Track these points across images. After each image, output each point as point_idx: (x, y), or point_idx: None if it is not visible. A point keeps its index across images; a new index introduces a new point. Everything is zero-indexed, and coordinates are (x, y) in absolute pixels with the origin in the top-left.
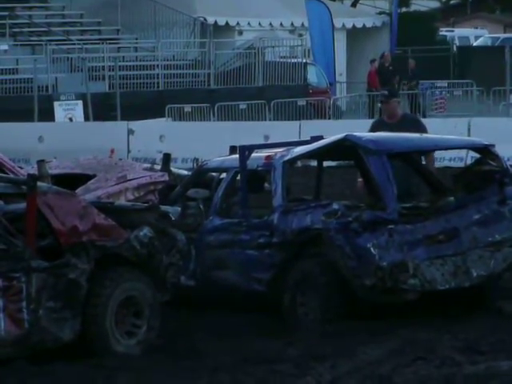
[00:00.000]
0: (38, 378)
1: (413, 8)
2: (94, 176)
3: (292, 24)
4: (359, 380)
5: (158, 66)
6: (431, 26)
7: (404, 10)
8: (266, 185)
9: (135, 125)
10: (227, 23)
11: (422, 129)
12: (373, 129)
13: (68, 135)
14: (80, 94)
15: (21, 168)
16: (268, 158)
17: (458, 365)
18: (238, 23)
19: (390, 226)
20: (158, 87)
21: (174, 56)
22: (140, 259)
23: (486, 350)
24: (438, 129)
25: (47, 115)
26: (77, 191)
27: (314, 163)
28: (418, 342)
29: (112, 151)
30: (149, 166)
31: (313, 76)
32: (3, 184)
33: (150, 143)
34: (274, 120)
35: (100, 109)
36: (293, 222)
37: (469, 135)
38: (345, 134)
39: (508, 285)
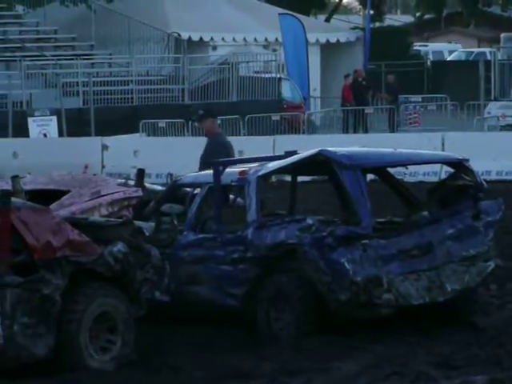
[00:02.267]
0: None
1: (387, 23)
2: (68, 191)
3: (266, 39)
4: None
5: (132, 81)
6: (405, 41)
7: (378, 24)
8: (240, 200)
9: (109, 140)
10: (201, 38)
11: (210, 148)
12: None
13: (42, 151)
14: (54, 109)
15: None
16: (242, 173)
17: (432, 380)
18: (211, 38)
19: (365, 241)
20: (132, 102)
21: (148, 71)
22: (114, 275)
23: (461, 364)
24: (412, 143)
25: (21, 131)
26: (51, 207)
27: (289, 178)
28: (392, 357)
29: (86, 167)
30: (123, 181)
31: (287, 91)
32: None
33: (124, 158)
34: (248, 135)
35: (74, 124)
36: (267, 237)
37: (443, 150)
38: (319, 149)
39: (482, 299)
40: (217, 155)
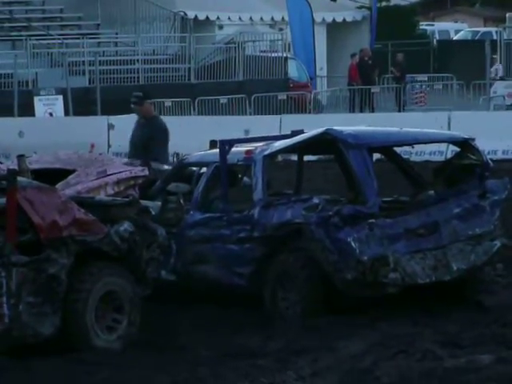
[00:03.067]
0: (19, 373)
1: (393, 2)
2: (74, 171)
3: (272, 18)
4: (340, 374)
5: (138, 60)
6: (411, 20)
7: (384, 4)
8: (246, 179)
9: (115, 119)
10: (207, 18)
11: (153, 130)
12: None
13: (48, 130)
14: (60, 88)
15: (1, 163)
16: (248, 152)
17: (438, 358)
18: (218, 17)
19: (371, 220)
20: (139, 82)
21: (154, 50)
22: (120, 254)
23: (467, 343)
24: (418, 122)
25: (27, 110)
26: (57, 186)
27: (295, 157)
28: (398, 335)
29: (92, 146)
30: (129, 160)
31: (293, 70)
32: None
33: None
34: (254, 114)
35: (80, 103)
36: (273, 217)
37: (449, 129)
38: (325, 128)
39: (488, 278)
40: (158, 137)
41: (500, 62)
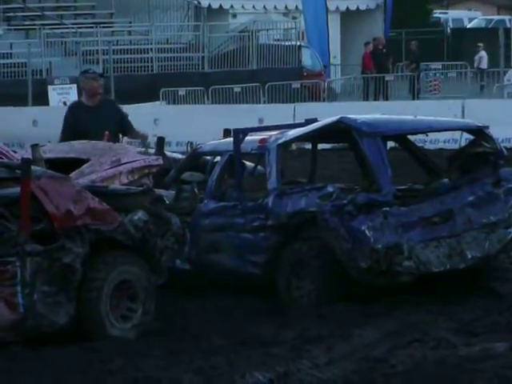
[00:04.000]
0: (34, 362)
1: None
2: (88, 160)
3: (286, 7)
4: (355, 362)
5: (151, 49)
6: (425, 9)
7: None
8: (260, 168)
9: (129, 108)
10: (221, 6)
11: (121, 113)
12: (70, 112)
13: (62, 119)
14: (74, 77)
15: (15, 152)
16: (262, 141)
17: (452, 346)
18: (231, 6)
19: (385, 209)
20: (152, 71)
21: (167, 39)
22: (135, 243)
23: (481, 331)
24: (432, 110)
25: (41, 99)
26: (71, 175)
27: (309, 146)
28: (413, 324)
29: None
30: (143, 149)
31: (307, 59)
32: None
33: (145, 127)
34: (268, 103)
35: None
36: (287, 205)
37: (463, 117)
38: (339, 117)
39: (502, 266)
40: (128, 120)
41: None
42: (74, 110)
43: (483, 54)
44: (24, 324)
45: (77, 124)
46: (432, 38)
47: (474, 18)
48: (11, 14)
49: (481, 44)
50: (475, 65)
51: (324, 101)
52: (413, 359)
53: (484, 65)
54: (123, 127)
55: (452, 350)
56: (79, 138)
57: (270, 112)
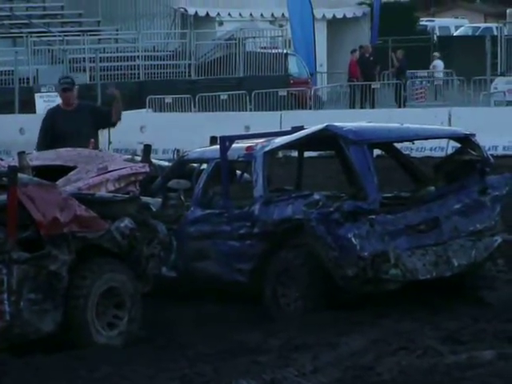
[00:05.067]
0: (20, 369)
1: None
2: (74, 167)
3: (272, 15)
4: (341, 370)
5: (138, 57)
6: (412, 16)
7: (384, 0)
8: (247, 175)
9: None
10: (208, 14)
11: (94, 108)
12: (48, 116)
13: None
14: None
15: (1, 160)
16: (249, 148)
17: (439, 355)
18: (218, 14)
19: (371, 216)
20: (139, 78)
21: (154, 47)
22: (121, 250)
23: (468, 339)
24: (419, 118)
25: (28, 107)
26: (57, 183)
27: (295, 154)
28: (399, 332)
29: (92, 143)
30: (129, 157)
31: (293, 66)
32: None
33: (131, 134)
34: (254, 110)
35: (81, 100)
36: (274, 213)
37: (449, 125)
38: (325, 125)
39: (489, 274)
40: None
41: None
42: (51, 114)
43: (438, 62)
44: (10, 331)
45: (54, 127)
46: (419, 46)
47: (460, 26)
48: None
49: (437, 53)
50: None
51: (310, 108)
52: (399, 367)
53: (439, 74)
54: (99, 118)
55: (439, 358)
56: (56, 141)
57: (257, 119)
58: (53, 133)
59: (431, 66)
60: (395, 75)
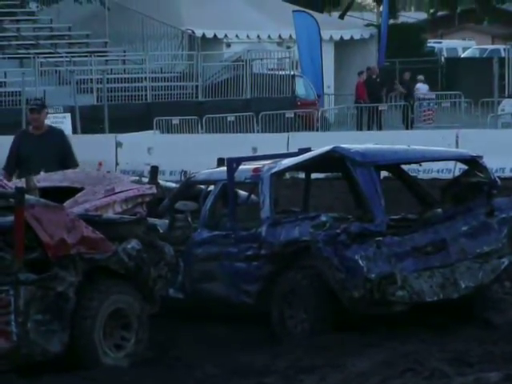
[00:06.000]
0: None
1: (401, 20)
2: (81, 189)
3: (280, 36)
4: None
5: (145, 78)
6: (419, 38)
7: (392, 21)
8: (254, 197)
9: (123, 137)
10: (215, 35)
11: (66, 141)
12: (15, 138)
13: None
14: (68, 106)
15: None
16: (256, 170)
17: (446, 376)
18: (225, 35)
19: (378, 238)
20: (146, 100)
21: (161, 68)
22: (128, 272)
23: (475, 361)
24: (426, 140)
25: None
26: (65, 204)
27: (302, 175)
28: (406, 353)
29: (100, 164)
30: (137, 178)
31: (301, 88)
32: None
33: (138, 156)
34: (262, 132)
35: (88, 121)
36: (281, 234)
37: (457, 147)
38: (332, 146)
39: (496, 296)
40: (71, 149)
41: (507, 79)
42: (19, 138)
43: (421, 86)
44: (17, 352)
45: (20, 151)
46: (426, 68)
47: (468, 48)
48: (5, 43)
49: (421, 77)
50: (416, 94)
51: (317, 130)
52: None
53: (421, 95)
54: (64, 157)
55: (446, 380)
56: (21, 165)
57: (264, 141)
58: (18, 157)
59: (416, 88)
60: (402, 97)
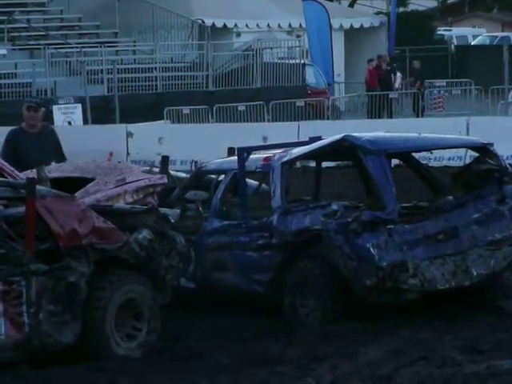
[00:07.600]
0: (39, 381)
1: (410, 8)
2: (92, 179)
3: (290, 25)
4: (360, 380)
5: (156, 68)
6: (429, 26)
7: (401, 9)
8: (265, 186)
9: (134, 127)
10: (225, 25)
11: (58, 139)
12: (10, 137)
13: (67, 139)
14: (79, 97)
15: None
16: (267, 159)
17: (458, 364)
18: (235, 25)
19: (390, 226)
20: (157, 90)
21: (172, 58)
22: (139, 262)
23: (487, 349)
24: (437, 128)
25: (46, 119)
26: (76, 194)
27: (313, 164)
28: (418, 342)
29: (110, 154)
30: (147, 168)
31: (311, 77)
32: (2, 188)
33: (149, 146)
34: (272, 121)
35: (99, 112)
36: (292, 223)
37: (467, 134)
38: (343, 135)
39: (508, 283)
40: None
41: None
42: (16, 136)
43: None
44: (29, 343)
45: (18, 149)
46: (436, 56)
47: (478, 35)
48: (16, 34)
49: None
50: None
51: (328, 119)
52: (418, 377)
53: (397, 84)
54: (57, 155)
55: (458, 368)
56: (18, 163)
57: (275, 130)
58: (16, 154)
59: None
60: (413, 85)
